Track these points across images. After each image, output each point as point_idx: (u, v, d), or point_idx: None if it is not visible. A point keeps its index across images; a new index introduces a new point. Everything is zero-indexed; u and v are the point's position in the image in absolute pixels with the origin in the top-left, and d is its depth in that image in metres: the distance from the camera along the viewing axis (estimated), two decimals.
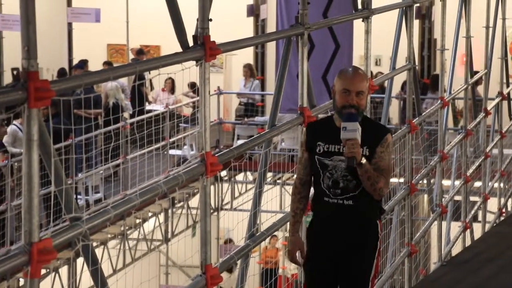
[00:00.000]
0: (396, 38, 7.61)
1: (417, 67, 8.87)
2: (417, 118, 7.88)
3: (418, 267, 8.57)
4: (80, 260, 10.76)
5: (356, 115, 4.61)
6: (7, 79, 14.84)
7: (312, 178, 4.81)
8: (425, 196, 10.79)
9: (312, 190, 4.85)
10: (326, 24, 7.38)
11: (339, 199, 4.69)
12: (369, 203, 4.72)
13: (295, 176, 4.91)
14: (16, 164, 11.15)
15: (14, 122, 11.57)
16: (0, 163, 11.05)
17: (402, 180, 7.68)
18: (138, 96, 15.38)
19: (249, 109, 16.77)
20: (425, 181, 9.43)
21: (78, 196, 12.40)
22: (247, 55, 18.22)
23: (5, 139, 11.93)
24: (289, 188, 14.20)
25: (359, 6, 6.75)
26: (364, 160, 4.56)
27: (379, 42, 10.57)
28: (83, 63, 16.28)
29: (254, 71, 17.14)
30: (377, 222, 4.78)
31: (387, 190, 4.70)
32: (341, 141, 4.59)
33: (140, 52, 17.42)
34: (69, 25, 17.16)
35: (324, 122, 4.89)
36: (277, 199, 15.39)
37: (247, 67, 17.03)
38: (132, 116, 14.68)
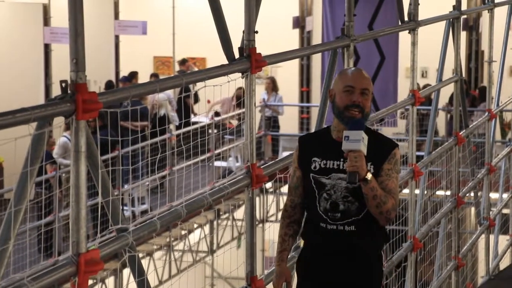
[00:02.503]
0: (442, 50, 7.55)
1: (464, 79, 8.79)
2: (464, 131, 7.81)
3: (465, 281, 8.47)
4: (126, 271, 10.82)
5: (361, 122, 3.95)
6: (56, 91, 15.00)
7: (305, 200, 4.14)
8: (472, 209, 10.68)
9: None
10: (372, 36, 7.35)
11: (339, 224, 3.98)
12: (375, 230, 4.03)
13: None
14: (64, 175, 11.27)
15: (64, 133, 11.69)
16: (48, 174, 11.18)
17: (448, 193, 7.60)
18: (184, 108, 15.46)
19: (271, 124, 16.23)
20: (472, 194, 9.33)
21: (124, 207, 12.49)
22: (292, 67, 18.24)
23: (55, 150, 12.07)
24: None
25: (405, 18, 6.72)
26: (369, 176, 3.86)
27: (425, 54, 10.50)
28: (132, 75, 16.42)
29: (277, 84, 16.80)
30: (381, 254, 4.14)
31: (394, 214, 3.97)
32: (340, 156, 3.94)
33: (183, 62, 17.51)
34: (116, 37, 17.32)
35: (319, 135, 4.23)
36: None
37: (270, 80, 16.74)
38: (178, 127, 14.75)
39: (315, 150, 4.08)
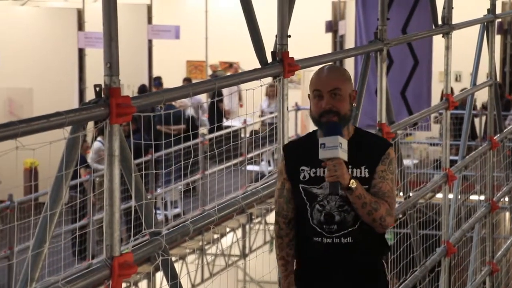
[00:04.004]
0: (477, 54, 7.51)
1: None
2: (498, 135, 7.75)
3: (500, 287, 8.40)
4: (159, 275, 10.86)
5: (338, 126, 3.56)
6: (90, 95, 15.10)
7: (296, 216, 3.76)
8: (507, 214, 10.60)
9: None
10: (405, 40, 7.32)
11: (335, 237, 3.61)
12: (373, 239, 3.67)
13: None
14: (97, 179, 11.34)
15: (99, 138, 11.77)
16: (82, 178, 11.25)
17: (483, 197, 7.55)
18: (216, 112, 15.49)
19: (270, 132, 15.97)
20: (506, 199, 9.25)
21: (157, 211, 12.54)
22: None
23: (90, 155, 12.16)
24: None
25: (439, 22, 6.68)
26: (354, 184, 3.48)
27: (459, 58, 10.44)
28: (160, 80, 16.53)
29: None
30: (383, 263, 3.80)
31: (392, 220, 3.62)
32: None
33: (230, 65, 17.55)
34: (150, 42, 17.40)
35: (305, 141, 3.80)
36: None
37: (274, 86, 16.42)
38: (210, 131, 14.79)
39: (302, 158, 3.68)
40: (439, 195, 6.65)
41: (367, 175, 3.61)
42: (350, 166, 3.54)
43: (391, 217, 3.59)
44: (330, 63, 3.76)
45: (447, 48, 6.66)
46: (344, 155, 3.47)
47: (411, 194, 6.26)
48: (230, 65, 17.65)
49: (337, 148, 3.46)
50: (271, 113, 16.25)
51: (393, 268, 6.26)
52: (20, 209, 9.59)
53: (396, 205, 6.18)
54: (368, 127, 8.09)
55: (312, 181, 3.64)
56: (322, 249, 3.64)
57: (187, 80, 17.27)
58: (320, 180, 3.61)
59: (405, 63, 8.33)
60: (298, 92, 18.39)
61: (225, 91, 13.63)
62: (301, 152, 3.71)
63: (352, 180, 3.48)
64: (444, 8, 6.68)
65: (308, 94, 3.69)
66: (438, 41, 7.25)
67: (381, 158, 3.63)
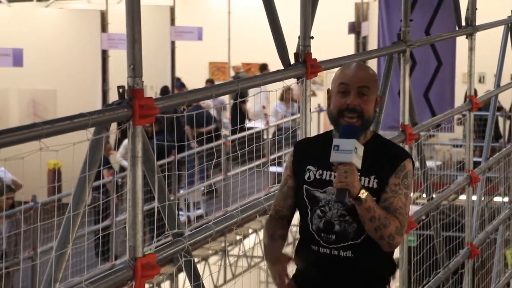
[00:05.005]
0: (501, 55, 7.47)
1: None
2: None
3: None
4: (182, 276, 10.88)
5: (357, 130, 3.25)
6: (113, 97, 15.17)
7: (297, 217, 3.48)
8: None
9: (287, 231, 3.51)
10: (428, 41, 7.29)
11: (333, 248, 3.28)
12: (377, 258, 3.30)
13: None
14: (120, 180, 11.39)
15: None
16: (105, 179, 11.30)
17: (506, 199, 7.51)
18: (239, 113, 15.49)
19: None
20: None
21: (180, 212, 12.56)
22: None
23: (120, 150, 12.25)
24: None
25: (463, 23, 6.66)
26: (364, 195, 3.15)
27: (482, 59, 10.39)
28: (179, 81, 16.59)
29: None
30: (386, 286, 3.39)
31: (401, 239, 3.25)
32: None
33: (264, 67, 17.53)
34: (172, 43, 17.45)
35: (319, 140, 3.50)
36: None
37: (290, 89, 16.17)
38: (233, 133, 14.80)
39: (311, 157, 3.38)
40: (463, 197, 6.63)
41: (375, 186, 3.26)
42: (358, 174, 3.19)
43: (400, 237, 3.22)
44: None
45: (471, 49, 6.63)
46: (358, 162, 3.16)
47: (434, 196, 6.23)
48: (263, 66, 17.57)
49: (351, 152, 3.15)
50: (284, 116, 16.22)
51: (416, 269, 6.24)
52: (43, 210, 9.64)
53: (419, 207, 6.17)
54: (391, 129, 8.09)
55: (316, 183, 3.34)
56: (317, 259, 3.31)
57: (209, 81, 17.30)
58: (325, 184, 3.31)
59: (428, 64, 8.29)
60: (321, 94, 18.37)
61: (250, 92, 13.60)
62: (311, 150, 3.42)
63: (363, 190, 3.15)
64: (467, 9, 6.65)
65: (328, 90, 3.37)
66: (461, 42, 7.21)
67: (395, 169, 3.27)
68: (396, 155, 3.32)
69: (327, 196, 3.31)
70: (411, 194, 3.37)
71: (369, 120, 3.30)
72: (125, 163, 11.86)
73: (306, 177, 3.36)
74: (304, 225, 3.37)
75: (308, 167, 3.36)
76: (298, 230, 3.47)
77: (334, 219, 3.29)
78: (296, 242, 3.47)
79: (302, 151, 3.44)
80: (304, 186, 3.36)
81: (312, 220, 3.32)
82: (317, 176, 3.34)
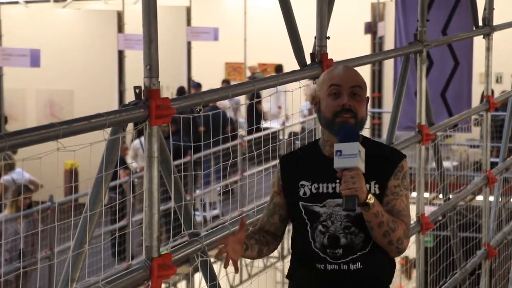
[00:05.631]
0: None
1: None
2: None
3: None
4: (198, 276, 10.90)
5: (355, 131, 3.09)
6: (129, 97, 15.20)
7: (293, 237, 3.26)
8: None
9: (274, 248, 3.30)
10: (445, 41, 7.27)
11: (342, 263, 3.12)
12: (385, 265, 3.20)
13: None
14: (136, 180, 11.41)
15: (142, 138, 11.87)
16: (122, 179, 11.32)
17: None
18: (255, 114, 15.51)
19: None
20: None
21: (196, 212, 12.58)
22: (364, 72, 18.12)
23: (130, 153, 12.28)
24: None
25: (480, 23, 6.63)
26: (372, 199, 3.01)
27: (500, 59, 10.35)
28: (198, 82, 16.62)
29: None
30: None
31: (408, 242, 3.18)
32: (335, 177, 3.04)
33: (279, 68, 17.53)
34: (188, 43, 17.47)
35: (306, 152, 3.29)
36: None
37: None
38: (249, 133, 14.81)
39: (303, 171, 3.20)
40: (480, 198, 6.60)
41: (377, 192, 3.12)
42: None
43: (407, 240, 3.14)
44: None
45: (488, 49, 6.61)
46: (362, 165, 3.00)
47: (451, 196, 6.22)
48: (279, 67, 17.57)
49: (356, 156, 2.98)
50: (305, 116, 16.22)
51: (433, 270, 6.22)
52: (60, 210, 9.67)
53: (436, 208, 6.15)
54: (408, 129, 8.07)
55: (313, 198, 3.15)
56: (325, 277, 3.13)
57: (225, 82, 17.31)
58: (323, 197, 3.14)
59: (445, 64, 8.27)
60: None
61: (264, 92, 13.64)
62: (301, 164, 3.23)
63: (370, 195, 3.01)
64: (484, 9, 6.63)
65: (313, 96, 3.23)
66: (478, 42, 7.19)
67: (394, 171, 3.16)
68: (392, 157, 3.21)
69: (327, 210, 3.14)
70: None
71: (362, 121, 3.16)
72: (135, 165, 11.88)
73: (301, 193, 3.18)
74: (303, 243, 3.16)
75: (301, 182, 3.18)
76: (291, 252, 3.27)
77: (339, 232, 3.12)
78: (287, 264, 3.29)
79: (291, 166, 3.25)
80: (300, 203, 3.17)
81: (314, 238, 3.14)
82: (313, 191, 3.16)
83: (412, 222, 5.63)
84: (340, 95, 3.14)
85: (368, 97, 3.23)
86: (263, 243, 3.21)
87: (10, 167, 10.91)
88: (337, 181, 3.04)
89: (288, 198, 3.22)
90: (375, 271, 3.15)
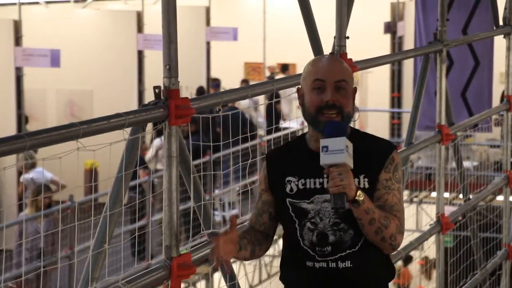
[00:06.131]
0: None
1: None
2: None
3: None
4: (217, 276, 10.91)
5: (342, 125, 2.98)
6: (149, 97, 15.23)
7: (283, 235, 3.16)
8: None
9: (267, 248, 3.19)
10: (465, 41, 7.25)
11: (331, 261, 3.00)
12: (377, 263, 3.07)
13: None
14: (156, 180, 11.44)
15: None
16: (141, 179, 11.35)
17: None
18: (274, 114, 15.50)
19: None
20: None
21: (215, 212, 12.60)
22: (383, 72, 18.11)
23: (150, 151, 12.34)
24: (426, 207, 13.99)
25: (500, 22, 6.60)
26: (361, 196, 2.89)
27: None
28: (217, 82, 16.63)
29: None
30: None
31: (402, 238, 3.04)
32: (323, 171, 2.91)
33: (284, 68, 17.56)
34: (208, 43, 17.49)
35: (292, 147, 3.19)
36: (414, 217, 15.17)
37: None
38: (268, 133, 14.80)
39: (289, 167, 3.08)
40: (500, 198, 6.56)
41: (367, 186, 3.00)
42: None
43: (401, 235, 3.00)
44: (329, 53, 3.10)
45: (509, 49, 6.58)
46: (350, 161, 2.87)
47: (471, 197, 6.19)
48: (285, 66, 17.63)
49: (343, 152, 2.85)
50: None
51: (453, 271, 6.20)
52: (80, 209, 9.71)
53: (456, 208, 6.13)
54: (427, 129, 8.05)
55: (301, 194, 3.03)
56: (314, 275, 3.01)
57: (244, 81, 17.32)
58: (310, 193, 3.02)
59: (465, 64, 8.24)
60: (356, 94, 18.30)
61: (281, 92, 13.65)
62: (287, 160, 3.11)
63: (359, 191, 2.88)
64: (505, 8, 6.60)
65: (298, 88, 3.14)
66: (499, 41, 7.15)
67: (384, 164, 3.02)
68: (382, 148, 3.07)
69: (315, 206, 3.01)
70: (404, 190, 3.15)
71: (349, 115, 3.04)
72: (160, 166, 11.91)
73: (287, 189, 3.05)
74: (293, 242, 3.05)
75: (288, 178, 3.06)
76: (282, 249, 3.16)
77: (328, 229, 3.00)
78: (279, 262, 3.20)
79: (277, 163, 3.12)
80: (288, 199, 3.05)
81: (303, 235, 3.02)
82: (300, 186, 3.04)
83: (432, 222, 5.61)
84: (324, 90, 3.02)
85: (355, 87, 3.11)
86: (255, 243, 3.09)
87: (32, 166, 10.96)
88: (325, 176, 2.92)
89: (275, 195, 3.10)
90: (365, 271, 3.02)
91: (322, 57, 3.18)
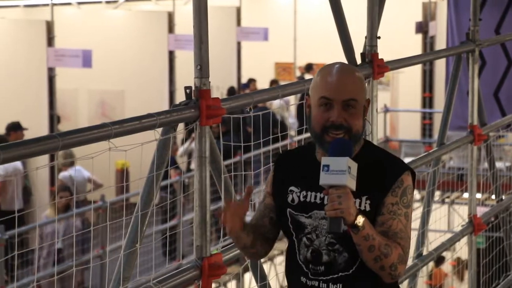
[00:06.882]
0: None
1: None
2: None
3: None
4: (248, 276, 10.92)
5: (348, 145, 2.75)
6: (179, 97, 15.27)
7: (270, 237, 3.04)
8: None
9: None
10: (498, 41, 7.19)
11: (322, 281, 2.86)
12: None
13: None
14: (187, 180, 11.46)
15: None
16: (172, 179, 11.39)
17: None
18: (304, 114, 15.49)
19: None
20: None
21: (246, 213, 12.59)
22: (414, 72, 18.03)
23: (180, 150, 12.41)
24: (458, 208, 13.91)
25: None
26: (361, 221, 2.68)
27: None
28: (249, 82, 16.61)
29: None
30: None
31: (404, 268, 2.79)
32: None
33: (309, 67, 17.53)
34: (238, 44, 17.51)
35: (302, 153, 2.99)
36: (445, 218, 15.09)
37: None
38: (299, 133, 14.79)
39: (294, 176, 2.92)
40: None
41: (368, 209, 2.79)
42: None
43: (403, 265, 2.76)
44: (339, 61, 2.96)
45: None
46: (352, 183, 2.67)
47: (503, 197, 6.14)
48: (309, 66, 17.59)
49: (344, 173, 2.65)
50: None
51: (486, 272, 6.15)
52: (111, 209, 9.76)
53: (488, 209, 6.08)
54: (460, 129, 8.00)
55: (300, 206, 2.88)
56: None
57: (274, 82, 17.31)
58: (309, 207, 2.86)
59: (498, 64, 8.17)
60: (387, 94, 18.25)
61: None
62: (293, 168, 2.95)
63: (359, 216, 2.68)
64: None
65: (306, 98, 2.94)
66: None
67: (391, 186, 2.79)
68: (390, 169, 2.83)
69: (313, 222, 2.85)
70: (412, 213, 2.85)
71: (357, 134, 2.83)
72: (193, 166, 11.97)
73: (289, 199, 2.91)
74: (291, 254, 2.94)
75: (291, 188, 2.91)
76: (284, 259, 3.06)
77: (322, 248, 2.84)
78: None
79: (284, 168, 2.97)
80: (288, 210, 2.91)
81: (299, 249, 2.89)
82: (301, 199, 2.88)
83: (464, 223, 5.57)
84: (331, 108, 2.81)
85: (368, 99, 2.91)
86: (258, 236, 2.96)
87: (71, 164, 11.03)
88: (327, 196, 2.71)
89: (277, 201, 2.97)
90: None
91: (332, 69, 2.90)
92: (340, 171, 2.65)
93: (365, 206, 2.79)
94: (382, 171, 2.82)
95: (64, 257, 9.70)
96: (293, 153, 3.05)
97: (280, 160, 3.02)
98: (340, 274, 2.83)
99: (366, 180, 2.76)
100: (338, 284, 2.84)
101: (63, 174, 11.04)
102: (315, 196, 2.85)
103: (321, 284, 2.85)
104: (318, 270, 2.85)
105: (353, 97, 2.81)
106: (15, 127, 11.39)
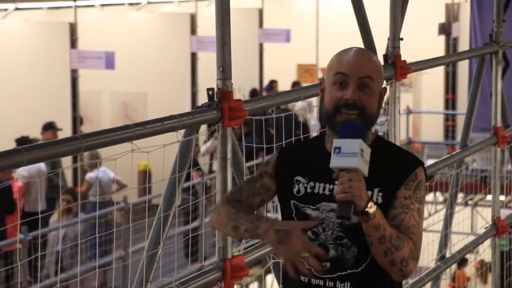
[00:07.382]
0: None
1: None
2: None
3: None
4: (270, 277, 10.92)
5: (360, 127, 2.60)
6: (202, 99, 15.30)
7: None
8: None
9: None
10: None
11: (328, 279, 2.66)
12: None
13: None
14: (209, 181, 11.48)
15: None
16: (194, 180, 11.40)
17: None
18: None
19: None
20: None
21: (268, 214, 12.58)
22: (437, 74, 17.96)
23: (202, 149, 12.44)
24: (481, 210, 13.84)
25: None
26: (372, 208, 2.51)
27: None
28: (271, 84, 16.61)
29: None
30: None
31: (415, 265, 2.59)
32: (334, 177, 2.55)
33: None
34: (260, 45, 17.52)
35: (311, 144, 2.83)
36: (468, 220, 15.01)
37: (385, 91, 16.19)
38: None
39: (300, 165, 2.74)
40: None
41: (380, 201, 2.63)
42: None
43: (415, 262, 2.58)
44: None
45: None
46: (364, 167, 2.51)
47: None
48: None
49: (356, 155, 2.49)
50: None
51: (509, 274, 6.12)
52: (134, 210, 9.79)
53: (510, 211, 6.05)
54: (483, 131, 7.96)
55: (307, 198, 2.70)
56: None
57: (296, 83, 17.30)
58: (317, 199, 2.68)
59: None
60: (410, 96, 18.20)
61: None
62: (300, 157, 2.76)
63: (371, 203, 2.50)
64: None
65: (321, 81, 2.78)
66: None
67: (404, 180, 2.65)
68: (405, 162, 2.69)
69: (320, 214, 2.67)
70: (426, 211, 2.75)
71: (372, 117, 2.66)
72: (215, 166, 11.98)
73: (295, 190, 2.73)
74: None
75: (297, 178, 2.73)
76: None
77: (329, 242, 2.65)
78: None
79: (289, 159, 2.78)
80: (292, 201, 2.74)
81: None
82: (308, 190, 2.70)
83: (487, 225, 5.55)
84: (346, 86, 2.65)
85: (385, 87, 2.74)
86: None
87: (97, 165, 11.10)
88: (336, 182, 2.52)
89: (280, 192, 2.79)
90: None
91: (350, 49, 2.75)
92: (352, 154, 2.50)
93: (377, 198, 2.64)
94: (395, 164, 2.68)
95: (85, 259, 9.74)
96: (298, 145, 2.90)
97: (283, 153, 2.83)
98: (349, 271, 2.65)
99: (378, 172, 2.62)
100: (346, 283, 2.65)
101: (90, 175, 11.10)
102: (324, 188, 2.68)
103: (327, 282, 2.66)
104: (324, 267, 2.65)
105: (369, 74, 2.65)
106: (47, 127, 11.59)
